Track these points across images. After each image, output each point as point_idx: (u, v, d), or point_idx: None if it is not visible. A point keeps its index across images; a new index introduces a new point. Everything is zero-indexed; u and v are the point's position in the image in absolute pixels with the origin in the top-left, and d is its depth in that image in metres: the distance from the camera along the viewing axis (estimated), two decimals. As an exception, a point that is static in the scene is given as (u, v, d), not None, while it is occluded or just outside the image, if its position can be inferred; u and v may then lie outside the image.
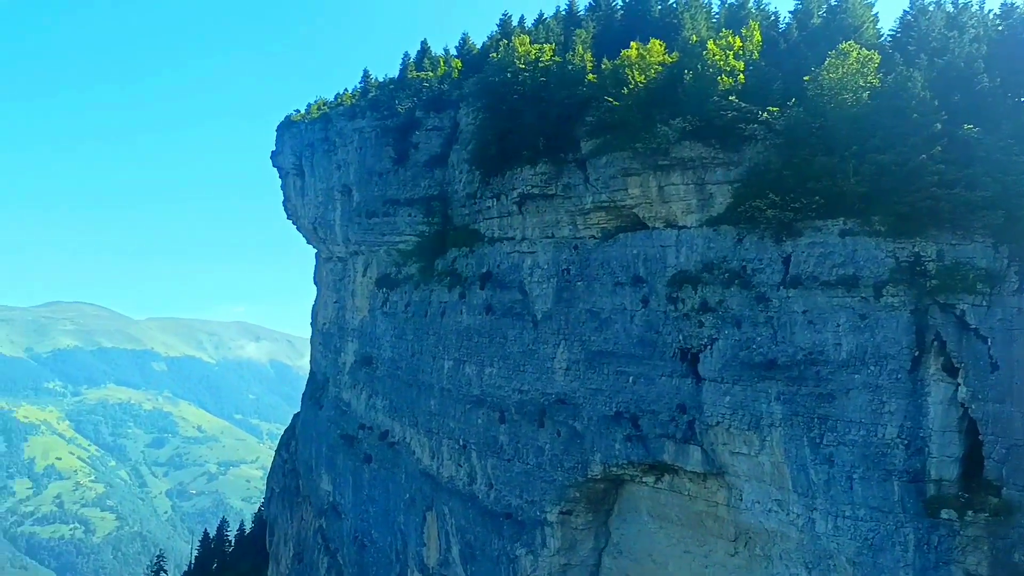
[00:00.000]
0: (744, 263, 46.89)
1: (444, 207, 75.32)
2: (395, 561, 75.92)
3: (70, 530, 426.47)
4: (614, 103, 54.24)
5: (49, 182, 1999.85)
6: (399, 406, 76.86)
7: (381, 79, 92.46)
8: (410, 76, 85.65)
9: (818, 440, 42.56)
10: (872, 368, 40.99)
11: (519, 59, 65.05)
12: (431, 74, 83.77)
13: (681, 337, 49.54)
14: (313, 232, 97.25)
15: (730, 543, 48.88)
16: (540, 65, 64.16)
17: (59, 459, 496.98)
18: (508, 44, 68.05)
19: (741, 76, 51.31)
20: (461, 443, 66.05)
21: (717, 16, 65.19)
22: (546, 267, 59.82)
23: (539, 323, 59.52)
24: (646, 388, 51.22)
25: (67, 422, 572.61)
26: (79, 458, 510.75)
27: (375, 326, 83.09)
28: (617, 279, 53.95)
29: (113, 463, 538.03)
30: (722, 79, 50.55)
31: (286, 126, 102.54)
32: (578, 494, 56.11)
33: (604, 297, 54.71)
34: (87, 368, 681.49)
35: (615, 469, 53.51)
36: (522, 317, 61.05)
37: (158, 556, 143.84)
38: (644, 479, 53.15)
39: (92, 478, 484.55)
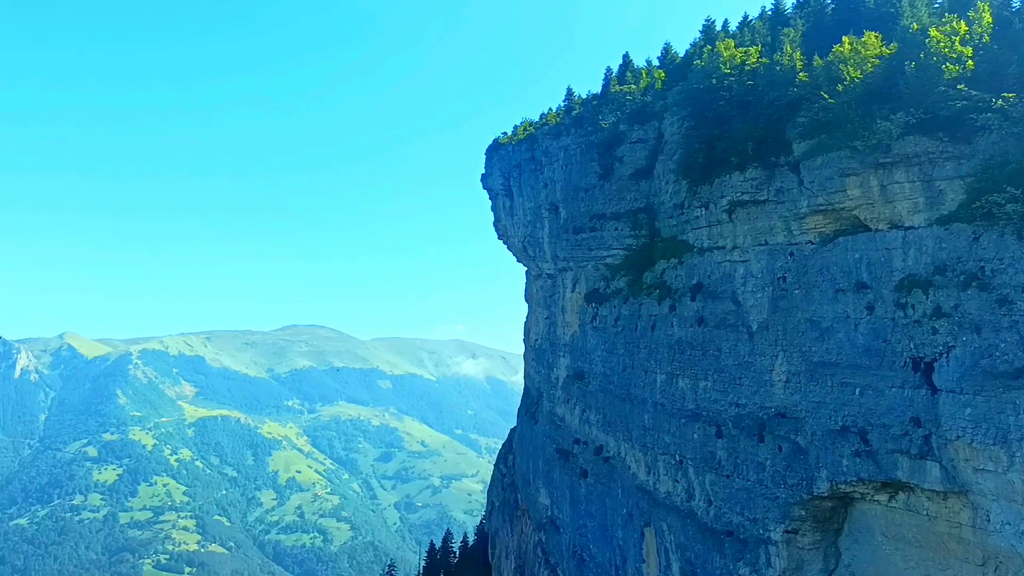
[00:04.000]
0: (982, 263, 42.99)
1: (651, 219, 74.72)
2: (614, 577, 75.57)
3: (310, 539, 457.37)
4: (829, 101, 51.85)
5: (285, 214, 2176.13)
6: (613, 421, 76.66)
7: (584, 96, 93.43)
8: (613, 90, 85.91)
9: (1080, 457, 38.19)
10: None
11: (724, 64, 63.81)
12: (634, 87, 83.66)
13: (912, 345, 46.08)
14: (523, 250, 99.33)
15: (977, 568, 44.61)
16: (746, 68, 62.66)
17: (299, 472, 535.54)
18: (712, 50, 66.91)
19: (970, 62, 47.36)
20: (677, 458, 64.82)
21: (940, 1, 60.76)
22: (760, 276, 57.74)
23: (755, 334, 57.48)
24: (875, 400, 48.02)
25: (305, 437, 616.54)
26: (316, 471, 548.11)
27: (586, 341, 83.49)
28: (838, 286, 51.12)
29: (346, 476, 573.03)
30: (947, 67, 46.94)
31: (494, 149, 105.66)
32: (803, 512, 53.39)
33: (824, 305, 51.98)
34: (321, 386, 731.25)
35: (843, 486, 50.47)
36: (736, 328, 59.21)
37: (389, 565, 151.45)
38: (876, 497, 49.74)
39: (328, 490, 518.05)
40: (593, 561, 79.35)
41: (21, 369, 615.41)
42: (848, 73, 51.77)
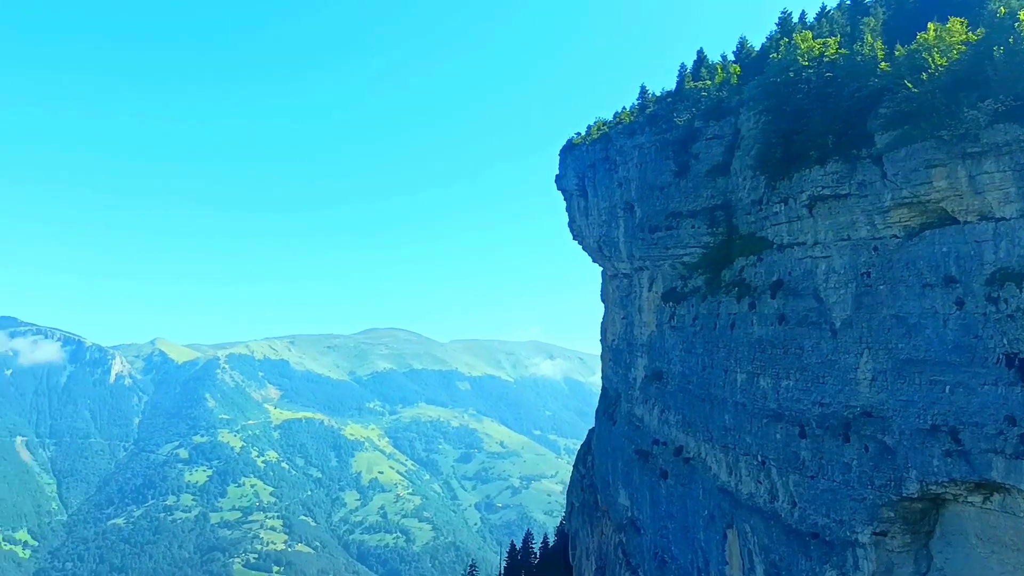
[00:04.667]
0: (1080, 254, 41.21)
1: (728, 216, 73.65)
2: (696, 579, 74.64)
3: (393, 539, 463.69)
4: (913, 90, 50.32)
5: (367, 221, 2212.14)
6: (692, 421, 75.76)
7: (658, 93, 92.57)
8: (687, 87, 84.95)
9: None
10: None
11: (802, 56, 62.57)
12: (709, 83, 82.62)
13: (1006, 341, 44.35)
14: (598, 251, 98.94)
15: (1081, 573, 42.83)
16: (825, 60, 61.31)
17: (381, 473, 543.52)
18: (789, 42, 65.68)
19: (1062, 46, 45.47)
20: (760, 459, 63.69)
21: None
22: (843, 272, 56.35)
23: (838, 331, 56.12)
24: (966, 398, 46.37)
25: (386, 439, 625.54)
26: (398, 472, 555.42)
27: (663, 340, 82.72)
28: (925, 280, 49.54)
29: (427, 477, 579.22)
30: (1039, 52, 45.13)
31: (568, 149, 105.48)
32: (892, 514, 51.85)
33: (911, 301, 50.43)
34: (401, 388, 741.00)
35: (934, 487, 48.85)
36: (819, 326, 57.91)
37: (471, 566, 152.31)
38: (969, 498, 47.99)
39: (410, 491, 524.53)
40: (675, 563, 78.53)
41: (116, 374, 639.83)
42: (933, 61, 50.16)
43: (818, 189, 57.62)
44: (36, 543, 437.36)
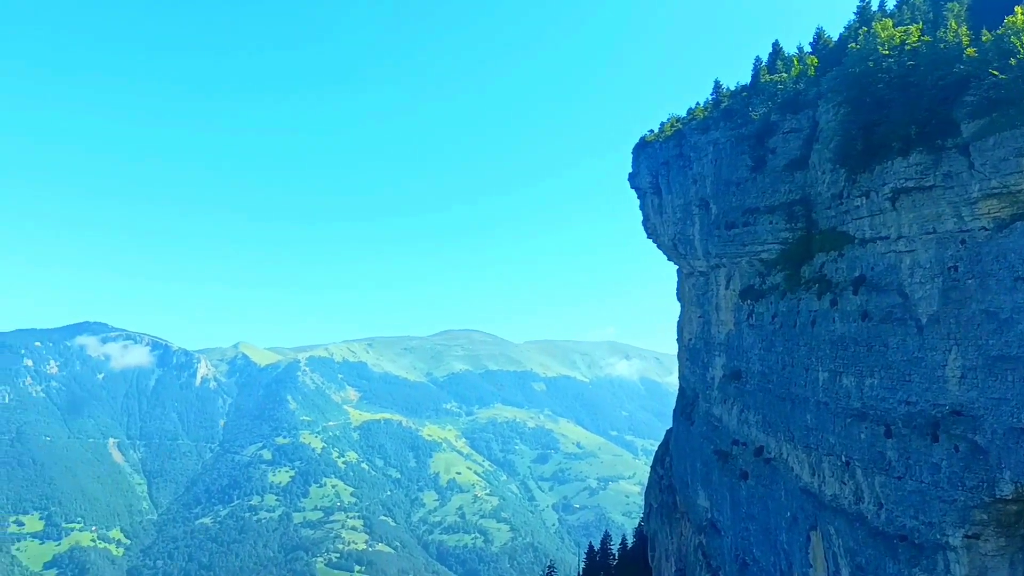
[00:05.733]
0: None
1: (807, 211, 72.10)
2: (779, 582, 73.19)
3: (472, 539, 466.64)
4: (1000, 77, 48.51)
5: (440, 222, 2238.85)
6: (773, 421, 74.32)
7: (732, 88, 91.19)
8: (763, 80, 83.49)
9: None
10: None
11: (882, 45, 60.92)
12: (785, 75, 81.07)
13: (1106, 336, 42.40)
14: (673, 249, 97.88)
15: None
16: (906, 48, 59.55)
17: (459, 473, 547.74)
18: (868, 31, 64.04)
19: None
20: (843, 459, 62.11)
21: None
22: (928, 266, 54.55)
23: (924, 328, 54.35)
24: (1063, 396, 44.45)
25: (463, 440, 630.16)
26: (475, 472, 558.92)
27: (742, 339, 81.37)
28: (1017, 274, 47.59)
29: (504, 477, 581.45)
30: None
31: (641, 147, 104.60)
32: (985, 516, 49.96)
33: (1002, 295, 48.50)
34: (477, 389, 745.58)
35: (1030, 489, 46.97)
36: (904, 322, 56.18)
37: (549, 567, 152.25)
38: (1069, 501, 46.05)
39: (488, 491, 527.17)
40: (756, 565, 77.15)
41: (201, 377, 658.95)
42: (1022, 45, 48.27)
43: (901, 181, 55.92)
44: (129, 541, 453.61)
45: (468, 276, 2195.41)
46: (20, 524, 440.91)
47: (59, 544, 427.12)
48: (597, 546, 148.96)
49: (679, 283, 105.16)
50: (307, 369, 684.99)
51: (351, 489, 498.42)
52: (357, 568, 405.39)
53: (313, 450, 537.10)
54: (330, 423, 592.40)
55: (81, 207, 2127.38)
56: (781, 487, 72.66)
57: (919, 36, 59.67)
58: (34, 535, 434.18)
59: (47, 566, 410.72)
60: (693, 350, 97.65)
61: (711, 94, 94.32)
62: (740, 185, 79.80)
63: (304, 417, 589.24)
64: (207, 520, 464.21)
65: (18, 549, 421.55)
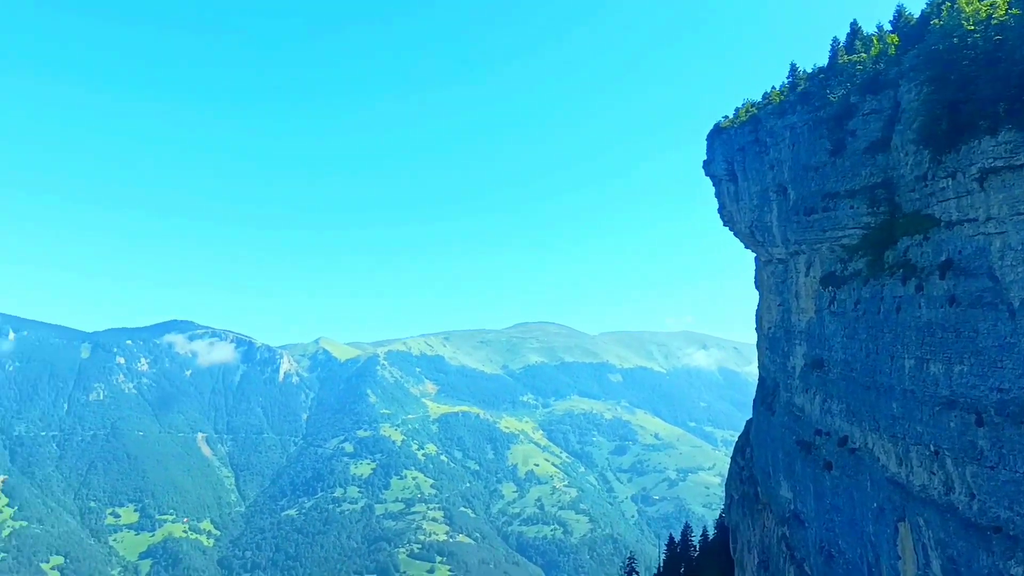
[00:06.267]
0: None
1: (890, 194, 70.15)
2: (867, 574, 71.56)
3: (551, 530, 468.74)
4: (1094, 48, 46.40)
5: (515, 216, 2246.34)
6: (857, 410, 72.62)
7: (809, 70, 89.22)
8: (841, 61, 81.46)
9: None
10: None
11: (967, 20, 58.89)
12: (864, 56, 78.96)
13: None
14: (750, 236, 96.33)
15: None
16: (993, 22, 57.42)
17: (537, 465, 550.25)
18: (952, 6, 61.95)
19: None
20: (932, 449, 60.31)
21: None
22: (1020, 248, 52.48)
23: (1016, 313, 52.38)
24: None
25: (541, 432, 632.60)
26: (553, 464, 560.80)
27: (823, 327, 79.70)
28: (1116, 254, 45.61)
29: (582, 469, 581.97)
30: None
31: (715, 134, 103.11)
32: (1085, 507, 48.10)
33: (1100, 276, 46.53)
34: (553, 381, 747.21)
35: None
36: (994, 307, 54.22)
37: (629, 558, 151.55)
38: None
39: (566, 483, 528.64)
40: (842, 557, 75.59)
41: (284, 373, 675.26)
42: (1118, 14, 46.15)
43: (989, 161, 53.96)
44: (219, 532, 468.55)
45: (542, 269, 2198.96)
46: (116, 516, 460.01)
47: (153, 535, 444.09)
48: (677, 538, 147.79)
49: (757, 271, 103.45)
50: (386, 363, 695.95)
51: (431, 481, 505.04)
52: (438, 559, 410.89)
53: (393, 443, 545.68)
54: (409, 416, 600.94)
55: (168, 213, 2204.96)
56: (867, 477, 71.00)
57: (1006, 9, 57.44)
58: (129, 526, 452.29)
59: (142, 556, 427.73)
60: (773, 339, 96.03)
61: (787, 77, 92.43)
62: (819, 169, 78.10)
63: (384, 410, 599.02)
64: (292, 512, 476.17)
65: (115, 540, 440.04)
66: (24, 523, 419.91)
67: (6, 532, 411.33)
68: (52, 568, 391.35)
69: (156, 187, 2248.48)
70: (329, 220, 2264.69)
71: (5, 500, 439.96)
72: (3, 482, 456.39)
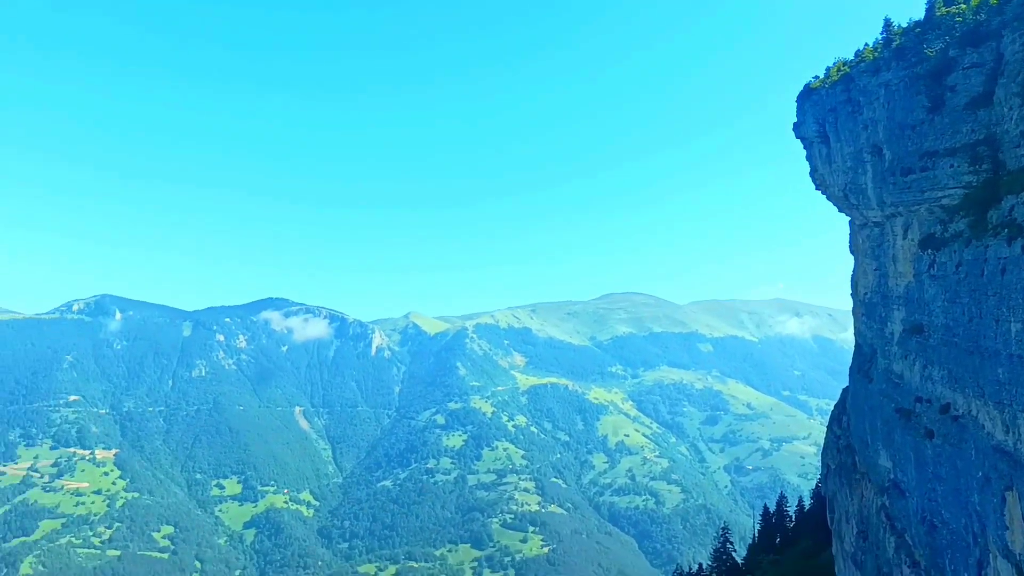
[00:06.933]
0: None
1: (992, 152, 67.03)
2: (973, 545, 69.31)
3: (643, 501, 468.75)
4: None
5: (598, 188, 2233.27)
6: (959, 376, 70.10)
7: (905, 25, 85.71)
8: (939, 13, 77.92)
9: None
10: None
11: (1076, -37, 55.62)
12: (964, 6, 75.35)
13: None
14: (844, 199, 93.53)
15: None
16: (1106, -36, 54.11)
17: (627, 436, 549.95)
18: (1059, -51, 58.54)
19: None
20: (1041, 415, 57.98)
21: None
22: None
23: None
24: None
25: (630, 402, 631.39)
26: (644, 435, 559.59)
27: (922, 291, 77.04)
28: None
29: (673, 439, 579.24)
30: None
31: (805, 95, 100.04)
32: None
33: None
34: (642, 352, 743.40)
35: None
36: (1109, 266, 51.62)
37: (723, 528, 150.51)
38: None
39: (657, 453, 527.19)
40: (946, 527, 73.44)
41: (376, 347, 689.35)
42: None
43: (1102, 112, 51.16)
44: (317, 503, 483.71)
45: (629, 238, 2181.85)
46: (221, 487, 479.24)
47: (256, 505, 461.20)
48: (772, 508, 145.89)
49: (851, 235, 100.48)
50: (475, 336, 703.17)
51: (522, 452, 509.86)
52: (531, 528, 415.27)
53: (484, 415, 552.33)
54: (498, 388, 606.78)
55: (262, 195, 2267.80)
56: (971, 446, 68.65)
57: (1121, -51, 54.12)
58: (234, 497, 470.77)
59: (247, 525, 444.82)
60: (869, 304, 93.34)
61: (881, 33, 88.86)
62: (916, 128, 75.11)
63: (473, 383, 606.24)
64: (388, 483, 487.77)
65: (220, 510, 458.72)
66: (136, 494, 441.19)
67: (120, 503, 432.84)
68: (163, 537, 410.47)
69: (251, 170, 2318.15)
70: (417, 198, 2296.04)
71: (118, 473, 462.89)
72: (115, 455, 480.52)
